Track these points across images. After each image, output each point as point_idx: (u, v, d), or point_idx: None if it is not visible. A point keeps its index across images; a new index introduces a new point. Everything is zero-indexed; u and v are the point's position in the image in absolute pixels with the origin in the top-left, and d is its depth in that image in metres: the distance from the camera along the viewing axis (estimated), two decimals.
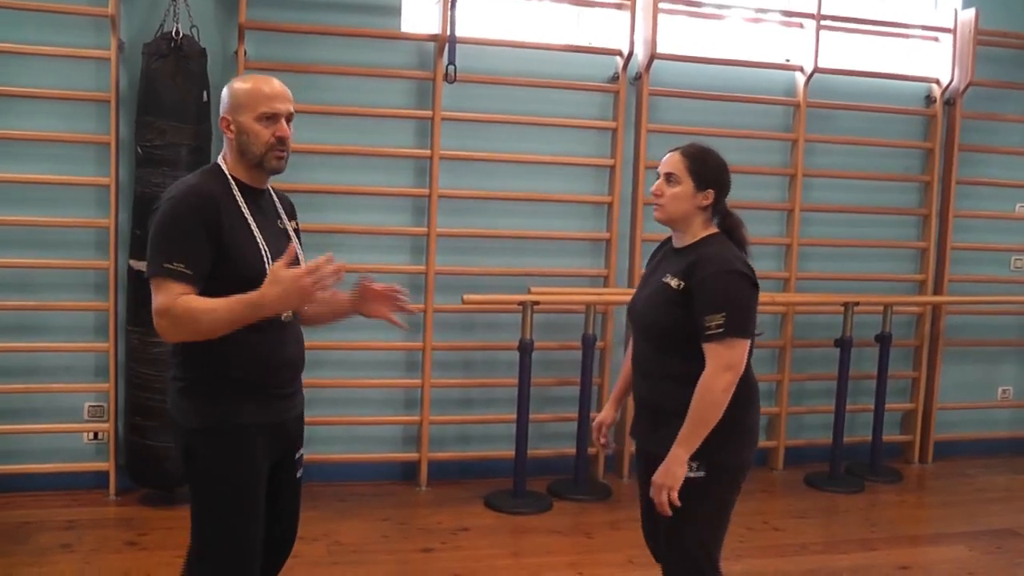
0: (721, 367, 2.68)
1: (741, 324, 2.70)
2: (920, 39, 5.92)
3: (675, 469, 2.70)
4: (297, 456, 2.78)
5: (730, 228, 2.88)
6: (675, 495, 2.70)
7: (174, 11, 4.54)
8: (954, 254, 6.02)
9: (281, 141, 2.60)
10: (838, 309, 5.55)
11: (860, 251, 5.91)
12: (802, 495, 5.42)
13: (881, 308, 5.67)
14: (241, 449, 2.57)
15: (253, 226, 2.58)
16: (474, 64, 5.07)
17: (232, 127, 2.60)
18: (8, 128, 4.61)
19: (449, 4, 4.92)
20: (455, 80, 5.00)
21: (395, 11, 5.10)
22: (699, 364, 2.71)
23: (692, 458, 2.71)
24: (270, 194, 2.74)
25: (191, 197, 2.52)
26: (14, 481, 4.75)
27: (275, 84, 2.64)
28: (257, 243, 2.56)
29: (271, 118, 2.59)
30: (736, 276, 2.74)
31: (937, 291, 6.02)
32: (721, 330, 2.67)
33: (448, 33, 4.95)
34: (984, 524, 5.05)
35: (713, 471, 2.75)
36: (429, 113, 5.07)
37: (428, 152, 5.08)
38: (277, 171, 2.66)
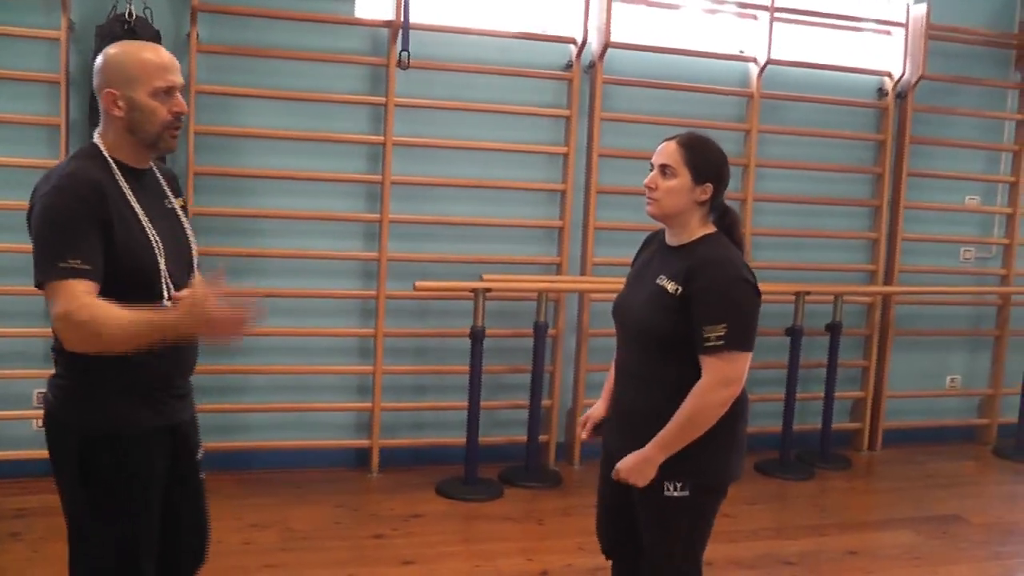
0: (718, 381, 2.49)
1: (743, 336, 2.51)
2: (872, 32, 5.97)
3: (646, 469, 2.56)
4: (198, 457, 2.60)
5: (729, 226, 2.69)
6: (637, 481, 2.58)
7: None
8: (904, 245, 6.09)
9: (178, 117, 2.38)
10: (789, 298, 5.60)
11: (812, 241, 5.96)
12: (753, 482, 5.46)
13: (832, 298, 5.73)
14: (140, 455, 2.38)
15: (140, 213, 2.34)
16: (428, 50, 5.06)
17: (121, 103, 2.32)
18: None
19: None
20: (408, 66, 4.98)
21: None
22: (693, 374, 2.53)
23: (676, 477, 2.56)
24: (153, 171, 2.49)
25: (74, 186, 2.25)
26: None
27: (164, 52, 2.40)
28: (146, 231, 2.34)
29: (168, 92, 2.35)
30: (740, 284, 2.54)
31: (888, 281, 6.09)
32: (721, 342, 2.48)
33: (402, 19, 4.93)
34: (931, 510, 5.13)
35: (697, 490, 2.60)
36: (383, 99, 5.05)
37: (381, 138, 5.07)
38: (170, 150, 2.47)
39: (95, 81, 2.38)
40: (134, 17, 4.47)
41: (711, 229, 2.67)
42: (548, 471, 5.36)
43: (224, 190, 4.93)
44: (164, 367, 2.41)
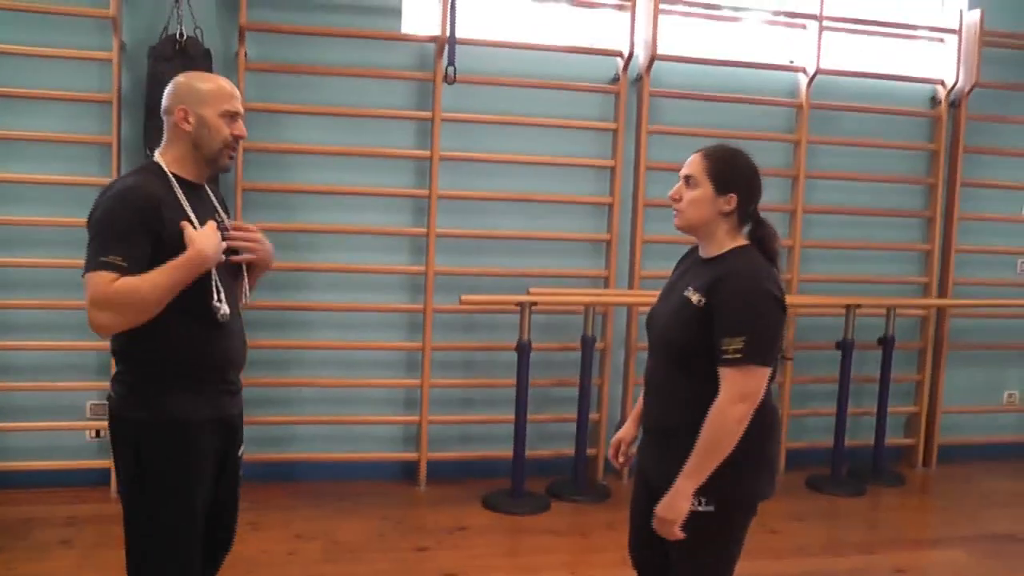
0: (735, 396, 2.45)
1: (762, 350, 2.46)
2: (925, 40, 5.88)
3: (679, 503, 2.50)
4: (240, 452, 2.80)
5: (761, 239, 2.64)
6: (678, 530, 2.52)
7: (177, 13, 4.58)
8: (959, 257, 5.99)
9: (236, 140, 2.65)
10: (840, 311, 5.53)
11: (863, 253, 5.88)
12: (803, 497, 5.40)
13: (884, 311, 5.64)
14: (191, 445, 2.57)
15: (195, 221, 2.55)
16: (474, 65, 5.09)
17: (191, 119, 2.58)
18: (11, 128, 4.67)
19: (449, 5, 4.94)
20: (455, 81, 5.01)
21: (395, 12, 5.12)
22: (713, 387, 2.49)
23: (701, 492, 2.50)
24: (206, 189, 2.73)
25: (131, 196, 2.48)
26: (16, 478, 4.81)
27: (231, 84, 2.68)
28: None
29: (232, 116, 2.62)
30: (763, 296, 2.50)
31: (942, 294, 5.98)
32: (739, 355, 2.43)
33: (448, 34, 4.97)
34: (985, 529, 5.02)
35: (722, 506, 2.54)
36: (429, 114, 5.09)
37: (428, 153, 5.10)
38: (226, 170, 2.73)
39: (165, 101, 2.63)
40: (185, 37, 4.56)
41: (742, 241, 2.64)
42: (596, 485, 5.35)
43: (272, 205, 5.00)
44: (216, 362, 2.63)
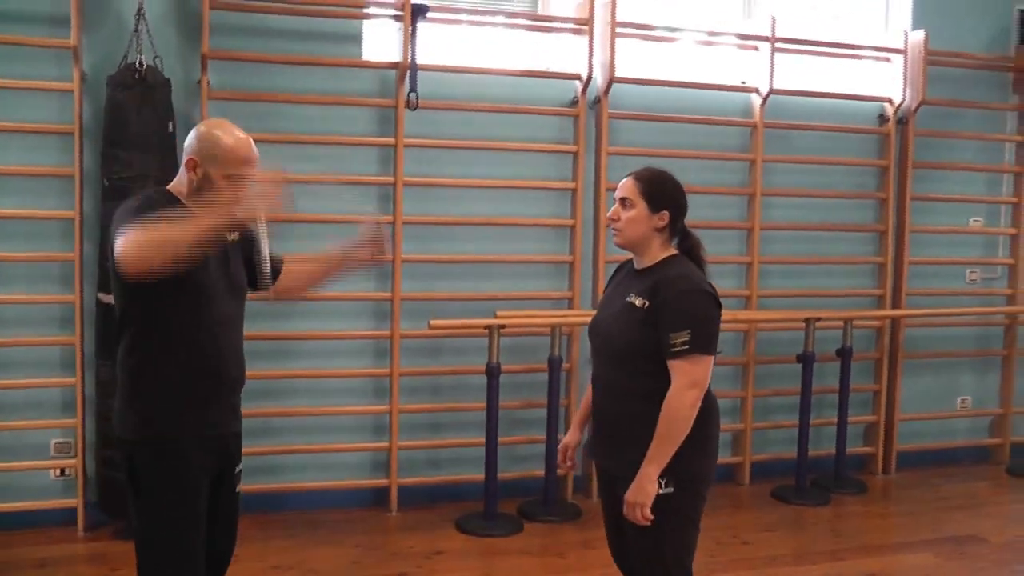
0: (687, 384, 2.74)
1: (706, 341, 2.76)
2: (872, 60, 6.05)
3: (646, 487, 2.74)
4: (237, 471, 2.87)
5: (690, 248, 2.94)
6: (647, 512, 2.73)
7: (137, 41, 4.55)
8: (911, 268, 6.15)
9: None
10: (799, 325, 5.64)
11: (819, 268, 6.02)
12: (769, 508, 5.49)
13: (841, 323, 5.77)
14: (182, 461, 2.65)
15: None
16: (435, 90, 5.12)
17: (198, 171, 2.67)
18: None
19: (410, 32, 4.97)
20: (417, 107, 5.04)
21: (356, 39, 5.14)
22: (663, 382, 2.76)
23: (659, 475, 2.75)
24: None
25: (149, 199, 2.64)
26: None
27: (253, 147, 2.73)
28: (207, 257, 2.60)
29: (238, 179, 2.67)
30: (700, 295, 2.80)
31: (895, 305, 6.13)
32: (687, 347, 2.72)
33: (409, 60, 5.00)
34: (948, 531, 5.15)
35: (680, 486, 2.79)
36: (392, 140, 5.11)
37: (391, 179, 5.12)
38: None
39: (187, 143, 2.71)
40: (145, 66, 4.52)
41: (673, 252, 2.93)
42: (567, 504, 5.37)
43: None
44: (209, 377, 2.71)
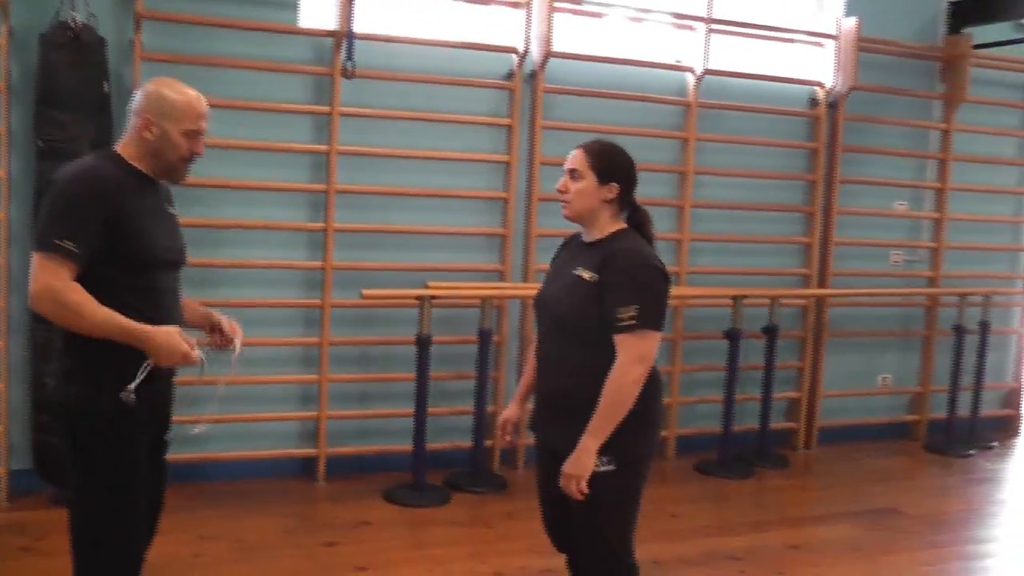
0: (633, 359, 2.69)
1: (653, 316, 2.73)
2: (805, 44, 6.15)
3: (585, 459, 2.70)
4: (166, 439, 2.89)
5: (639, 223, 2.90)
6: (583, 484, 2.70)
7: None
8: (837, 249, 6.28)
9: (194, 157, 2.73)
10: (727, 302, 5.74)
11: (748, 246, 6.12)
12: (694, 482, 5.59)
13: (768, 301, 5.88)
14: (130, 436, 2.64)
15: (147, 213, 2.67)
16: (372, 60, 5.09)
17: (153, 129, 2.65)
18: None
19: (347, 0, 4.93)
20: (353, 76, 5.00)
21: (292, 5, 5.07)
22: (609, 356, 2.71)
23: (601, 452, 2.71)
24: (159, 184, 2.81)
25: (91, 178, 2.59)
26: None
27: (203, 101, 2.74)
28: (150, 229, 2.66)
29: (195, 135, 2.69)
30: (649, 269, 2.76)
31: (821, 284, 6.27)
32: (634, 322, 2.68)
33: (346, 28, 4.95)
34: (868, 504, 5.31)
35: (622, 463, 2.76)
36: (327, 108, 5.07)
37: (326, 147, 5.08)
38: (179, 181, 2.78)
39: (134, 104, 2.69)
40: (79, 24, 4.41)
41: (622, 225, 2.89)
42: (493, 476, 5.41)
43: None
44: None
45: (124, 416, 2.59)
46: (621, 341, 2.71)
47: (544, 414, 2.96)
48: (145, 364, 2.57)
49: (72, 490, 2.68)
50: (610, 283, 2.73)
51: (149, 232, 2.65)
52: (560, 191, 2.88)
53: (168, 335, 2.56)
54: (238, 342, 2.98)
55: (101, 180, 2.59)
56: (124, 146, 2.71)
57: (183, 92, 2.71)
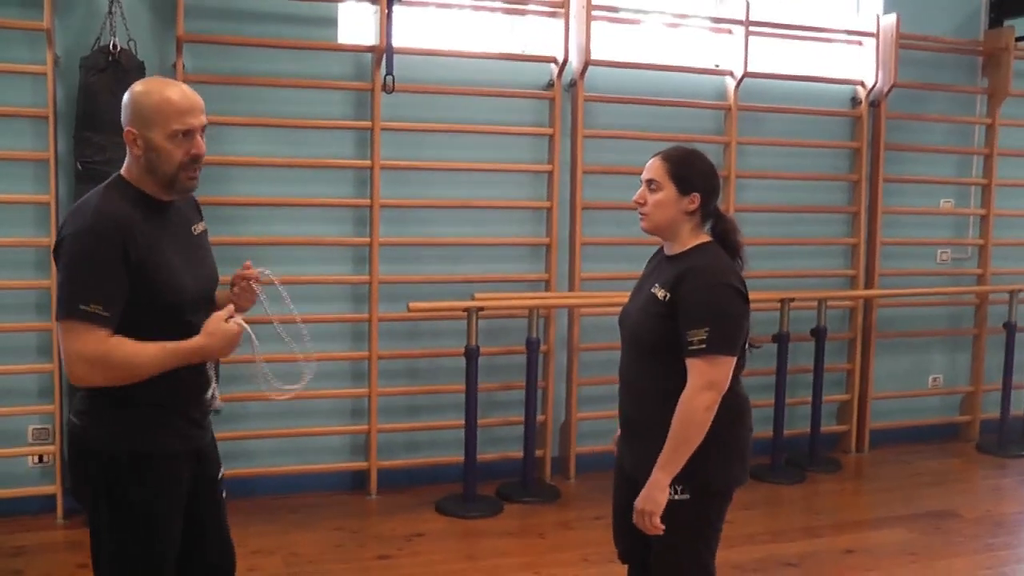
0: (702, 385, 2.56)
1: (725, 340, 2.58)
2: (844, 43, 6.10)
3: (656, 495, 2.59)
4: (219, 476, 2.70)
5: (723, 233, 2.76)
6: (657, 520, 2.60)
7: (111, 24, 4.50)
8: (883, 249, 6.21)
9: (195, 160, 2.40)
10: (774, 306, 5.69)
11: (794, 249, 6.08)
12: (746, 487, 5.45)
13: (815, 303, 5.83)
14: (161, 477, 2.45)
15: (167, 245, 2.42)
16: (412, 74, 5.11)
17: (140, 142, 2.36)
18: None
19: (386, 15, 4.95)
20: (393, 90, 5.03)
21: (332, 22, 5.11)
22: (681, 379, 2.59)
23: (675, 481, 2.60)
24: (174, 206, 2.53)
25: (100, 225, 2.31)
26: None
27: (186, 93, 2.40)
28: (173, 264, 2.42)
29: (186, 135, 2.37)
30: (724, 289, 2.62)
31: (868, 285, 6.20)
32: (703, 346, 2.54)
33: (385, 43, 4.98)
34: (922, 507, 5.24)
35: (698, 493, 2.64)
36: (368, 123, 5.10)
37: (368, 162, 5.11)
38: (189, 191, 2.49)
39: (122, 117, 2.40)
40: (119, 49, 4.48)
41: (705, 238, 2.75)
42: (545, 486, 5.40)
43: (213, 219, 4.76)
44: (186, 392, 2.50)
45: (166, 458, 2.46)
46: (691, 365, 2.57)
47: (623, 434, 2.90)
48: (208, 366, 2.51)
49: (98, 528, 2.48)
50: (682, 303, 2.60)
51: (168, 266, 2.39)
52: (638, 203, 2.75)
53: (213, 334, 2.38)
54: (261, 273, 2.71)
55: (113, 225, 2.31)
56: (127, 168, 2.44)
57: (158, 90, 2.38)
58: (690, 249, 2.72)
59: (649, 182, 2.73)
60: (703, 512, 2.69)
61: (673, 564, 2.74)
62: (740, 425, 2.74)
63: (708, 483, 2.66)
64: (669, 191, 2.70)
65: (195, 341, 2.39)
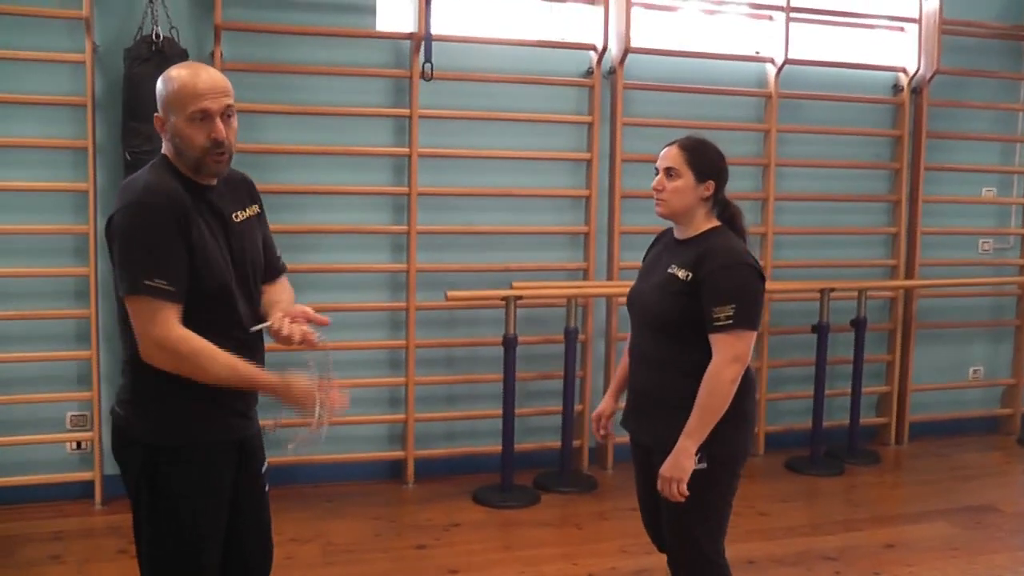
0: (729, 358, 2.71)
1: (749, 316, 2.73)
2: (886, 29, 6.01)
3: (683, 461, 2.73)
4: (264, 470, 2.66)
5: (731, 218, 2.91)
6: (684, 487, 2.72)
7: (152, 13, 4.49)
8: (924, 239, 6.13)
9: (217, 144, 2.33)
10: (814, 295, 5.63)
11: (833, 238, 6.00)
12: (784, 479, 5.50)
13: (856, 293, 5.76)
14: (205, 467, 2.44)
15: (204, 229, 2.37)
16: (450, 61, 5.08)
17: (166, 127, 2.36)
18: None
19: (424, 2, 4.92)
20: (432, 77, 5.00)
21: (370, 10, 5.08)
22: (703, 355, 2.74)
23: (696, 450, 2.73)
24: (219, 185, 2.47)
25: (156, 200, 2.28)
26: None
27: (206, 75, 2.35)
28: (217, 251, 2.39)
29: (204, 118, 2.32)
30: (745, 268, 2.77)
31: (909, 275, 6.12)
32: (731, 321, 2.69)
33: (424, 31, 4.95)
34: (963, 501, 5.17)
35: (715, 461, 2.78)
36: (407, 111, 5.07)
37: (407, 150, 5.09)
38: (217, 175, 2.41)
39: None
40: (161, 38, 4.47)
41: (715, 223, 2.90)
42: (582, 476, 5.38)
43: None
44: (225, 391, 2.43)
45: (211, 448, 2.44)
46: (717, 340, 2.72)
47: (635, 411, 2.98)
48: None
49: (140, 517, 2.47)
50: (705, 282, 2.74)
51: (205, 250, 2.35)
52: (656, 189, 2.88)
53: (292, 387, 2.37)
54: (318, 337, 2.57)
55: (162, 195, 2.29)
56: (165, 149, 2.41)
57: (179, 75, 2.34)
58: (704, 232, 2.87)
59: (668, 170, 2.86)
60: (719, 479, 2.82)
61: (687, 531, 2.85)
62: (749, 396, 2.88)
63: (724, 451, 2.80)
64: (688, 178, 2.83)
65: (270, 378, 2.39)
